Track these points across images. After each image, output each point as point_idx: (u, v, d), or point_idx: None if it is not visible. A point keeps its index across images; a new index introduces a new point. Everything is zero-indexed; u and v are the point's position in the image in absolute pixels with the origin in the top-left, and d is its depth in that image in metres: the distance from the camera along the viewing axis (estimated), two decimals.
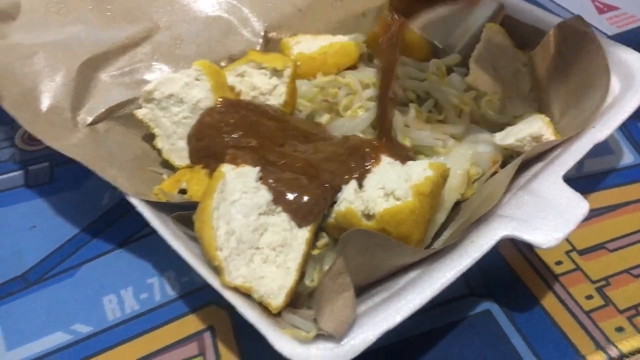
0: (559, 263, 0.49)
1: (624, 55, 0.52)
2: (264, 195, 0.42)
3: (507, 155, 0.50)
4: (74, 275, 0.50)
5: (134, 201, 0.45)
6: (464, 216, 0.45)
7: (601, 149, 0.57)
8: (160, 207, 0.45)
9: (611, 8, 0.72)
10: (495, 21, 0.58)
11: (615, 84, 0.51)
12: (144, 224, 0.51)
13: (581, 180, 0.55)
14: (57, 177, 0.58)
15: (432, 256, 0.41)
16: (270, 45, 0.59)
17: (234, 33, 0.58)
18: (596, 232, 0.51)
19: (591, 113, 0.48)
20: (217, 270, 0.39)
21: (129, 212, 0.53)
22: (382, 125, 0.48)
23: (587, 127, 0.47)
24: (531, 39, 0.55)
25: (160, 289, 0.49)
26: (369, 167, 0.43)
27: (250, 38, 0.58)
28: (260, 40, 0.58)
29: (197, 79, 0.49)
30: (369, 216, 0.41)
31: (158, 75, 0.54)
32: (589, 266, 0.49)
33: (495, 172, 0.48)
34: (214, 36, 0.57)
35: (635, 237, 0.51)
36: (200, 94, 0.49)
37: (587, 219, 0.49)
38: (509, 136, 0.48)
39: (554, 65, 0.52)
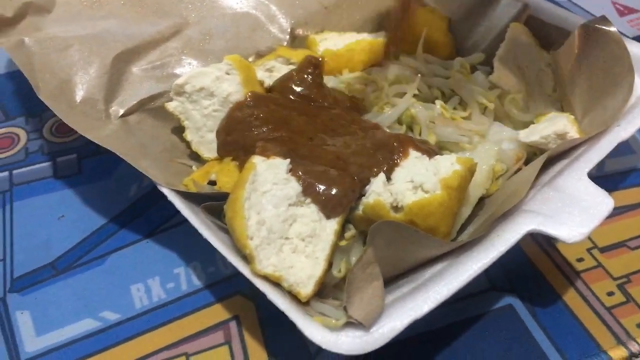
0: (580, 260, 0.50)
1: None
2: (294, 186, 0.43)
3: (531, 152, 0.50)
4: (103, 264, 0.51)
5: (165, 191, 0.46)
6: (489, 211, 0.46)
7: (622, 149, 0.57)
8: (190, 197, 0.46)
9: (632, 11, 0.73)
10: (519, 21, 0.58)
11: (638, 83, 0.51)
12: (171, 215, 0.53)
13: (602, 179, 0.56)
14: (84, 168, 0.59)
15: (459, 249, 0.42)
16: (296, 42, 0.60)
17: (261, 29, 0.59)
18: (617, 230, 0.52)
19: (615, 112, 0.49)
20: (247, 259, 0.40)
21: (156, 203, 0.54)
22: None
23: (611, 125, 0.48)
24: (555, 38, 0.56)
25: (186, 278, 0.50)
26: (397, 160, 0.44)
27: (277, 34, 0.59)
28: (287, 37, 0.60)
29: (228, 73, 0.50)
30: (397, 208, 0.41)
31: (188, 69, 0.55)
32: (610, 263, 0.50)
33: (519, 169, 0.49)
34: (242, 32, 0.59)
35: None
36: (230, 87, 0.50)
37: (608, 217, 0.50)
38: (534, 133, 0.49)
39: (578, 65, 0.53)
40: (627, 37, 0.69)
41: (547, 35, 0.57)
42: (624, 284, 0.48)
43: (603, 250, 0.51)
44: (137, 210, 0.55)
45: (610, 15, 0.72)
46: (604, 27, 0.51)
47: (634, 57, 0.50)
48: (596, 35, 0.52)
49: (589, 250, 0.50)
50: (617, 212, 0.53)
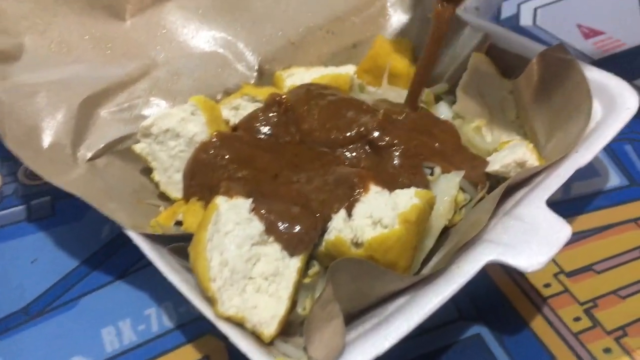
0: (547, 285, 0.50)
1: (605, 80, 0.53)
2: (257, 226, 0.43)
3: (494, 181, 0.51)
4: (74, 307, 0.51)
5: (131, 234, 0.46)
6: (452, 241, 0.47)
7: (588, 172, 0.58)
8: (157, 239, 0.47)
9: (597, 33, 0.74)
10: (480, 50, 0.59)
11: (597, 108, 0.52)
12: (142, 255, 0.53)
13: (568, 203, 0.56)
14: (58, 210, 0.59)
15: (420, 282, 0.42)
16: (264, 78, 0.61)
17: (229, 67, 0.60)
18: (583, 254, 0.52)
19: (575, 138, 0.49)
20: (211, 301, 0.40)
21: (127, 244, 0.54)
22: (414, 92, 0.54)
23: (570, 152, 0.49)
24: (516, 66, 0.57)
25: (157, 319, 0.50)
26: (357, 196, 0.44)
27: (244, 72, 0.60)
28: (255, 74, 0.61)
29: (193, 114, 0.51)
30: (357, 244, 0.42)
31: (155, 111, 0.56)
32: (577, 288, 0.50)
33: (482, 198, 0.50)
34: (210, 71, 0.60)
35: (621, 259, 0.52)
36: (195, 128, 0.51)
37: (575, 241, 0.51)
38: (495, 162, 0.50)
39: (538, 93, 0.54)
40: (592, 59, 0.70)
41: (508, 63, 0.58)
42: (590, 308, 0.48)
43: (570, 274, 0.51)
44: (109, 251, 0.55)
45: (575, 37, 0.74)
46: (561, 55, 0.53)
47: (593, 83, 0.51)
48: (554, 63, 0.53)
49: (555, 275, 0.51)
50: (583, 235, 0.54)
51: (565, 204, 0.56)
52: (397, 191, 0.44)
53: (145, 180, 0.53)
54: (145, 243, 0.46)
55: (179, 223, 0.48)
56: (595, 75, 0.54)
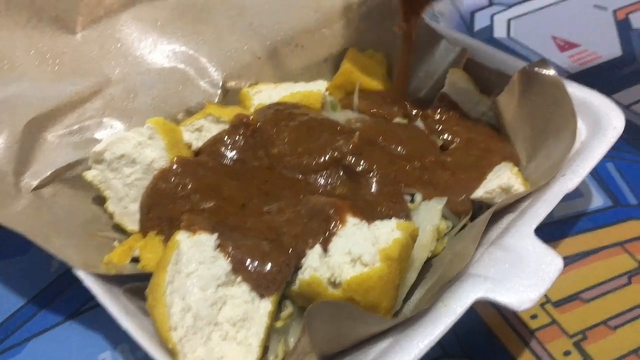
0: (534, 317, 0.47)
1: (589, 98, 0.51)
2: (223, 264, 0.39)
3: (476, 206, 0.48)
4: (20, 352, 0.46)
5: (81, 275, 0.41)
6: (436, 273, 0.43)
7: (571, 193, 0.55)
8: (111, 278, 0.42)
9: (572, 45, 0.72)
10: (458, 65, 0.57)
11: (581, 127, 0.50)
12: None
13: (552, 225, 0.54)
14: (1, 242, 0.54)
15: (404, 322, 0.38)
16: (229, 95, 0.57)
17: (190, 84, 0.56)
18: (570, 282, 0.50)
19: (559, 160, 0.47)
20: (171, 354, 0.36)
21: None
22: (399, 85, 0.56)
23: (557, 175, 0.46)
24: (496, 83, 0.54)
25: None
26: (334, 229, 0.40)
27: (208, 89, 0.56)
28: (219, 91, 0.56)
29: (151, 138, 0.47)
30: (335, 284, 0.38)
31: (109, 133, 0.51)
32: (565, 319, 0.47)
33: (465, 225, 0.47)
34: (170, 88, 0.55)
35: (609, 286, 0.49)
36: (153, 153, 0.46)
37: None
38: (479, 188, 0.47)
39: (520, 110, 0.51)
40: (569, 72, 0.68)
41: (487, 79, 0.55)
42: (580, 341, 0.46)
43: (557, 304, 0.48)
44: (59, 288, 0.50)
45: (551, 50, 0.72)
46: (543, 71, 0.50)
47: (577, 101, 0.49)
48: (536, 79, 0.50)
49: (542, 305, 0.48)
50: (569, 261, 0.51)
51: (548, 227, 0.53)
52: (377, 223, 0.41)
53: (99, 211, 0.48)
54: (97, 284, 0.41)
55: (135, 260, 0.44)
56: (578, 93, 0.51)
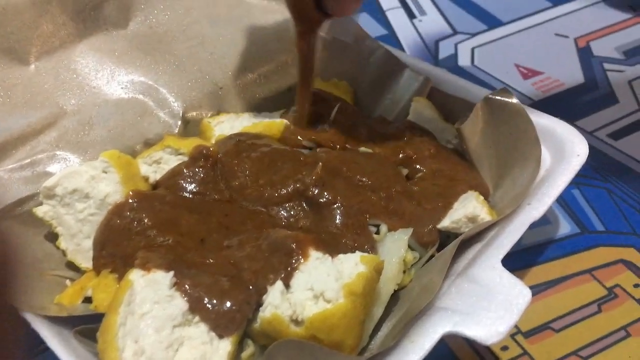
0: (505, 348, 0.46)
1: (552, 125, 0.51)
2: (179, 304, 0.37)
3: (443, 235, 0.47)
4: None
5: (28, 317, 0.39)
6: (403, 307, 0.42)
7: (538, 220, 0.55)
8: (62, 320, 0.40)
9: (535, 73, 0.73)
10: (422, 94, 0.56)
11: (545, 155, 0.50)
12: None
13: (519, 253, 0.53)
14: None
15: None
16: (190, 126, 0.55)
17: (149, 115, 0.54)
18: (540, 311, 0.49)
19: (525, 188, 0.46)
20: None
21: None
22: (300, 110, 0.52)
23: (522, 203, 0.45)
24: (460, 111, 0.54)
25: None
26: (296, 264, 0.39)
27: (167, 120, 0.54)
28: (179, 122, 0.54)
29: (105, 171, 0.45)
30: (297, 322, 0.36)
31: (63, 166, 0.49)
32: (536, 349, 0.46)
33: (432, 255, 0.46)
34: (128, 119, 0.53)
35: (578, 315, 0.49)
36: (108, 187, 0.44)
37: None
38: (445, 218, 0.46)
39: (484, 138, 0.51)
40: (532, 100, 0.69)
41: (451, 107, 0.55)
42: None
43: (527, 334, 0.47)
44: None
45: (514, 78, 0.72)
46: (505, 99, 0.50)
47: (540, 128, 0.49)
48: (499, 108, 0.50)
49: (513, 336, 0.47)
50: (538, 290, 0.50)
51: (516, 255, 0.53)
52: (341, 257, 0.39)
53: (51, 248, 0.46)
54: (45, 327, 0.39)
55: (88, 300, 0.41)
56: (541, 121, 0.51)
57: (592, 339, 0.47)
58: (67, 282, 0.44)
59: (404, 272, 0.44)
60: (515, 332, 0.47)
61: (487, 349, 0.46)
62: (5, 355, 0.23)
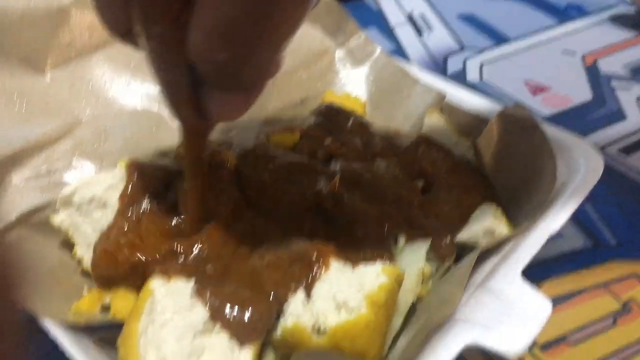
0: None
1: (566, 140, 0.51)
2: (200, 312, 0.37)
3: (459, 248, 0.47)
4: None
5: (48, 325, 0.39)
6: (420, 319, 0.42)
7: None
8: (80, 328, 0.39)
9: (544, 89, 0.74)
10: (436, 108, 0.57)
11: (561, 169, 0.50)
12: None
13: (534, 268, 0.53)
14: None
15: None
16: None
17: (164, 126, 0.54)
18: (556, 324, 0.49)
19: (541, 202, 0.46)
20: None
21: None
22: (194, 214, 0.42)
23: (539, 218, 0.45)
24: (474, 125, 0.54)
25: None
26: (317, 274, 0.39)
27: None
28: None
29: (123, 180, 0.45)
30: (319, 332, 0.36)
31: (79, 176, 0.49)
32: None
33: (449, 268, 0.45)
34: (143, 130, 0.53)
35: (594, 328, 0.49)
36: None
37: None
38: (462, 231, 0.46)
39: (499, 153, 0.51)
40: (542, 115, 0.69)
41: (466, 122, 0.55)
42: None
43: (544, 347, 0.47)
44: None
45: (523, 94, 0.73)
46: (520, 114, 0.50)
47: (555, 143, 0.49)
48: (514, 122, 0.50)
49: (530, 349, 0.47)
50: (554, 303, 0.50)
51: (530, 270, 0.52)
52: (362, 268, 0.39)
53: (66, 257, 0.45)
54: (65, 335, 0.38)
55: (106, 308, 0.41)
56: (555, 135, 0.51)
57: (607, 352, 0.47)
58: (84, 290, 0.44)
59: (422, 284, 0.44)
60: (532, 345, 0.47)
61: None
62: None
